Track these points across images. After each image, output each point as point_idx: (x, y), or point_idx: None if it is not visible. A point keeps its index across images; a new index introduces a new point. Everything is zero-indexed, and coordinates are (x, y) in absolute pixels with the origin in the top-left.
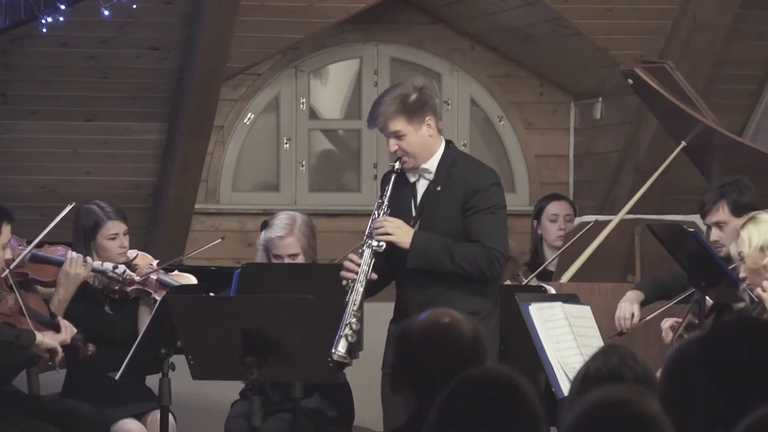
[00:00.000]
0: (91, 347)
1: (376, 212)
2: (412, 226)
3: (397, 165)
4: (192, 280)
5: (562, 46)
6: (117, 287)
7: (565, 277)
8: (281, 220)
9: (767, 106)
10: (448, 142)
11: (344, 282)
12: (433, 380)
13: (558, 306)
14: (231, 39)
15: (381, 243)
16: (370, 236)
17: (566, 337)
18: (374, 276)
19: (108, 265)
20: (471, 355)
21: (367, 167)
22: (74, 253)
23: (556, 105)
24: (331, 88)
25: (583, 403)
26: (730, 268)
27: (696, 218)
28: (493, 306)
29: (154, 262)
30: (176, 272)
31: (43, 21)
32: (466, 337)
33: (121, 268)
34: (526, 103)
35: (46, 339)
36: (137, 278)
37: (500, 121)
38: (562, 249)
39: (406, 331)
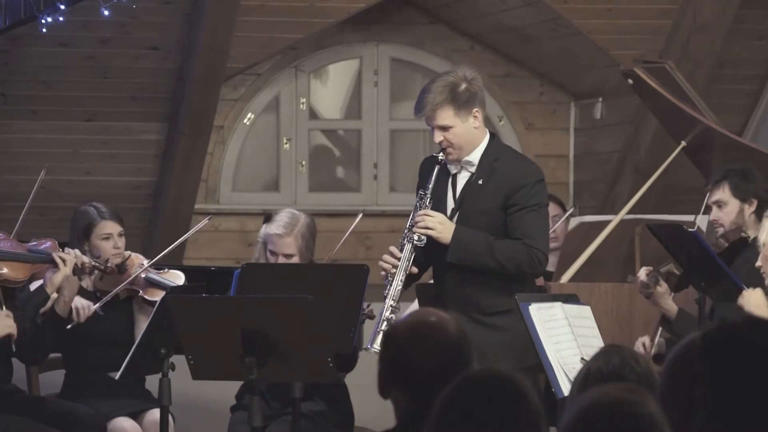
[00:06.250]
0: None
1: (418, 203)
2: (450, 219)
3: (440, 156)
4: (181, 277)
5: (562, 46)
6: (102, 277)
7: (565, 277)
8: (283, 218)
9: (767, 106)
10: (492, 135)
11: (383, 273)
12: (421, 380)
13: (558, 306)
14: (231, 39)
15: (422, 237)
16: (411, 229)
17: (566, 337)
18: (414, 270)
19: (88, 257)
20: (457, 354)
21: (367, 167)
22: (65, 254)
23: (556, 105)
24: (331, 88)
25: (580, 403)
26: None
27: (696, 218)
28: None
29: (145, 263)
30: (166, 270)
31: (43, 21)
32: (452, 336)
33: (103, 259)
34: (526, 103)
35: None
36: (120, 271)
37: (500, 121)
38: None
39: (392, 332)
